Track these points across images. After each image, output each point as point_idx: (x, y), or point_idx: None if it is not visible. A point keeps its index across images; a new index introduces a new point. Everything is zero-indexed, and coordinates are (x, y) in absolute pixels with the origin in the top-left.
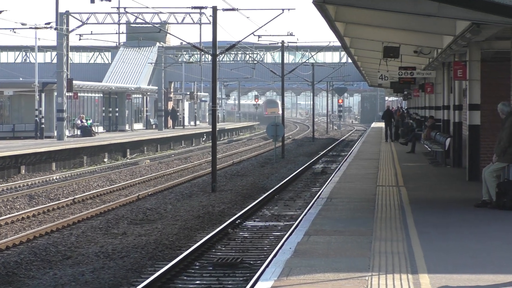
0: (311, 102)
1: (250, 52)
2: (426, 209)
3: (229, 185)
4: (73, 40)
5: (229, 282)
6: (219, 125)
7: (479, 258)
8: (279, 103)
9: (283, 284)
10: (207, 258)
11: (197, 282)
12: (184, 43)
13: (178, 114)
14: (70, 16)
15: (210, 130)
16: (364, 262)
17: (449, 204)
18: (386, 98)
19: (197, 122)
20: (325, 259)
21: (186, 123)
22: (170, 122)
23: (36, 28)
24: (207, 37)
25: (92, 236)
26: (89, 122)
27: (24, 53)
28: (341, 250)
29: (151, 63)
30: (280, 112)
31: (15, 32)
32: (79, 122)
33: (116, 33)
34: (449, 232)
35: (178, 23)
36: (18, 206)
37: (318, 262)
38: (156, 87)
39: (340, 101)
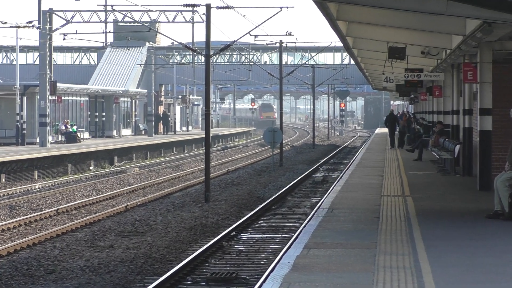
0: (311, 106)
1: (246, 53)
2: (434, 221)
3: (223, 194)
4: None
5: None
6: (213, 131)
7: (491, 274)
8: (275, 107)
9: None
10: (200, 273)
11: None
12: (175, 43)
13: (169, 119)
14: (53, 14)
15: (203, 136)
16: (367, 277)
17: (459, 215)
18: (391, 102)
19: (190, 128)
20: (326, 274)
21: (177, 128)
22: (161, 128)
23: (17, 27)
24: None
25: (77, 249)
26: (74, 128)
27: (4, 54)
28: (343, 265)
29: (140, 64)
30: (276, 116)
31: None
32: (63, 127)
33: (103, 32)
34: (458, 245)
35: (169, 21)
36: None
37: (319, 277)
38: (146, 90)
39: (342, 105)
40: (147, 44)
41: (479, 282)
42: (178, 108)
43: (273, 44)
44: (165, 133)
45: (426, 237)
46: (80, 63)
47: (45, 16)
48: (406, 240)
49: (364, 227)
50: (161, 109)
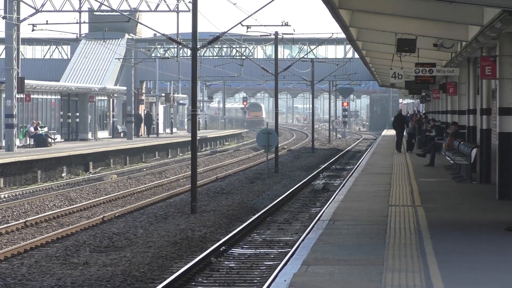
0: (310, 106)
1: (238, 46)
2: (448, 234)
3: (212, 204)
4: (25, 31)
5: None
6: (200, 133)
7: None
8: (263, 106)
9: None
10: None
11: None
12: (158, 34)
13: (153, 119)
14: (21, 2)
15: (189, 139)
16: None
17: (476, 227)
18: (400, 100)
19: (174, 130)
20: None
21: (160, 130)
22: (142, 129)
23: None
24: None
25: (47, 267)
26: (44, 130)
27: None
28: (346, 283)
29: (118, 58)
30: (264, 116)
31: None
32: (32, 129)
33: (77, 22)
34: (475, 261)
35: (151, 10)
36: None
37: None
38: (125, 88)
39: (345, 104)
40: (127, 35)
41: None
42: (161, 108)
43: (267, 35)
44: (148, 135)
45: (439, 251)
46: (51, 57)
47: (11, 4)
48: (416, 255)
49: (369, 241)
50: (142, 108)
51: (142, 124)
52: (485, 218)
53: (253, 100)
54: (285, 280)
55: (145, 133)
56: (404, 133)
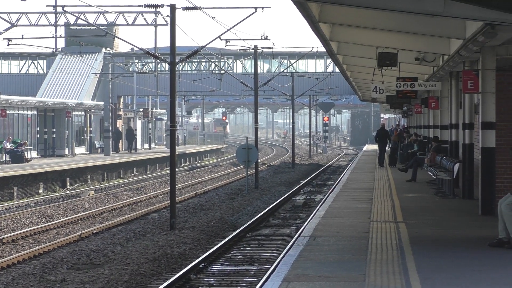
0: (291, 120)
1: (217, 60)
2: (431, 250)
3: (191, 221)
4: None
5: None
6: (179, 148)
7: None
8: (227, 121)
9: None
10: None
11: None
12: (135, 49)
13: (135, 134)
14: None
15: (168, 154)
16: None
17: (458, 243)
18: (382, 115)
19: (152, 145)
20: None
21: (139, 146)
22: (121, 145)
23: None
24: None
25: (24, 284)
26: (13, 144)
27: None
28: None
29: (95, 73)
30: (228, 130)
31: None
32: (7, 145)
33: (53, 37)
34: (458, 277)
35: (128, 24)
36: None
37: None
38: (102, 103)
39: (326, 119)
40: (104, 50)
41: None
42: (139, 123)
43: (247, 49)
44: (130, 151)
45: (421, 268)
46: (27, 72)
47: None
48: (398, 272)
49: (351, 257)
50: (120, 123)
51: (121, 140)
52: (468, 234)
53: (232, 115)
54: None
55: (126, 149)
56: (387, 148)
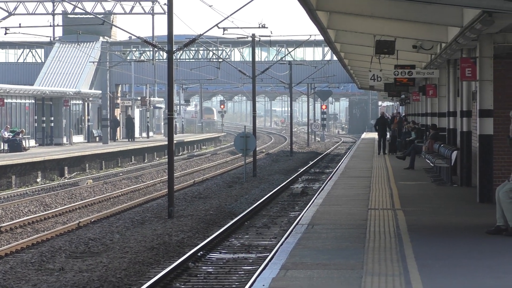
0: (289, 109)
1: (214, 49)
2: (428, 238)
3: (189, 209)
4: None
5: None
6: (177, 137)
7: None
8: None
9: None
10: None
11: None
12: (133, 37)
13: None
14: None
15: (166, 143)
16: None
17: (456, 231)
18: (380, 103)
19: (150, 133)
20: None
21: (137, 134)
22: (119, 134)
23: None
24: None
25: (22, 273)
26: (11, 133)
27: None
28: (325, 287)
29: (93, 62)
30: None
31: None
32: (5, 134)
33: (51, 25)
34: (456, 265)
35: (125, 13)
36: None
37: None
38: (100, 91)
39: (324, 107)
40: (101, 38)
41: None
42: (137, 111)
43: (244, 38)
44: (129, 139)
45: (419, 255)
46: (25, 61)
47: None
48: (396, 259)
49: (349, 245)
50: (118, 112)
51: (119, 128)
52: (466, 222)
53: (230, 103)
54: (263, 285)
55: (125, 137)
56: (388, 136)
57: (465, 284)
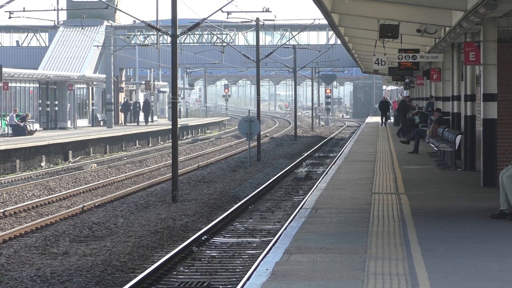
0: (293, 93)
1: (218, 33)
2: (432, 222)
3: (193, 193)
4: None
5: None
6: (182, 121)
7: (496, 281)
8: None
9: None
10: (167, 283)
11: None
12: (137, 21)
13: (151, 106)
14: None
15: (170, 127)
16: (356, 285)
17: (460, 215)
18: (384, 87)
19: (155, 118)
20: (309, 283)
21: (141, 118)
22: (122, 117)
23: None
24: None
25: (26, 257)
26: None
27: None
28: (328, 271)
29: (97, 46)
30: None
31: None
32: (14, 118)
33: (55, 9)
34: (459, 249)
35: None
36: None
37: (301, 286)
38: (104, 76)
39: (328, 91)
40: (105, 22)
41: None
42: (141, 96)
43: (248, 22)
44: (146, 123)
45: (423, 239)
46: (29, 45)
47: None
48: (400, 244)
49: (352, 229)
50: (122, 96)
51: (130, 113)
52: (469, 206)
53: (234, 87)
54: (267, 269)
55: (145, 121)
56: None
57: (469, 267)
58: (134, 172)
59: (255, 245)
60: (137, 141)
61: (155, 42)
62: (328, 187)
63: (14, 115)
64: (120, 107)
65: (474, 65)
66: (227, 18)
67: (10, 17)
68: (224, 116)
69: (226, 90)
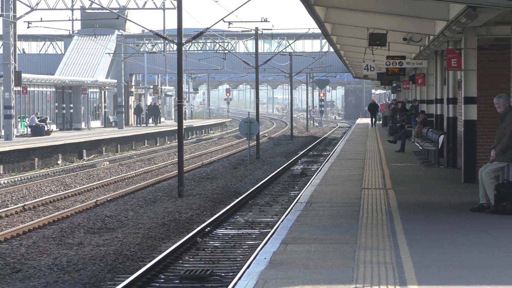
0: (289, 96)
1: (220, 41)
2: (417, 215)
3: (197, 189)
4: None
5: None
6: (186, 122)
7: (476, 269)
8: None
9: None
10: (173, 271)
11: None
12: (146, 31)
13: (160, 109)
14: (17, 1)
15: (176, 128)
16: (347, 273)
17: (443, 209)
18: (373, 91)
19: (162, 119)
20: (304, 270)
21: (149, 120)
22: (133, 120)
23: None
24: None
25: (44, 247)
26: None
27: None
28: (321, 260)
29: (109, 53)
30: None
31: None
32: (36, 120)
33: (70, 20)
34: (442, 240)
35: (139, 8)
36: None
37: (296, 273)
38: (115, 81)
39: (322, 94)
40: (116, 32)
41: (463, 277)
42: (149, 99)
43: (248, 31)
44: (156, 124)
45: (408, 231)
46: (46, 53)
47: (8, 3)
48: (387, 235)
49: (343, 222)
50: (132, 99)
51: (141, 115)
52: (451, 200)
53: (235, 91)
54: (265, 258)
55: (154, 123)
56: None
57: (451, 257)
58: (143, 169)
59: (254, 236)
60: (145, 141)
61: (162, 49)
62: (321, 183)
63: (36, 117)
64: (133, 110)
65: (456, 71)
66: (229, 27)
67: (28, 27)
68: (225, 118)
69: (228, 94)
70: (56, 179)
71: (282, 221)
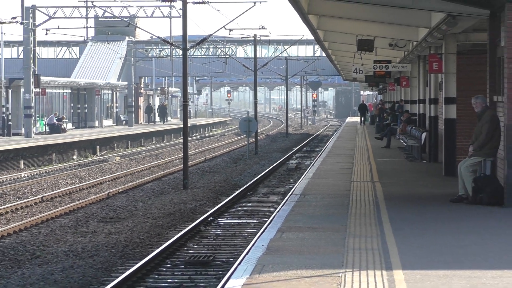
0: (285, 97)
1: (222, 46)
2: (401, 205)
3: (201, 182)
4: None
5: (201, 280)
6: (191, 121)
7: (455, 254)
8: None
9: (255, 282)
10: (179, 256)
11: (169, 280)
12: (154, 37)
13: (167, 109)
14: (36, 10)
15: (182, 126)
16: (338, 258)
17: (425, 200)
18: (362, 92)
19: (168, 118)
20: (298, 256)
21: (157, 119)
22: (141, 118)
23: (1, 22)
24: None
25: (61, 235)
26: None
27: None
28: (314, 247)
29: (120, 58)
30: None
31: None
32: (54, 119)
33: (84, 27)
34: (424, 228)
35: (147, 16)
36: None
37: (291, 259)
38: (126, 83)
39: (314, 95)
40: (127, 38)
41: (443, 262)
42: (157, 100)
43: (247, 37)
44: (163, 123)
45: (394, 220)
46: (63, 57)
47: (28, 12)
48: (374, 224)
49: (334, 212)
50: (141, 100)
51: (150, 114)
52: (433, 192)
53: (235, 92)
54: (262, 245)
55: (162, 122)
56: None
57: (432, 243)
58: (151, 164)
59: (253, 225)
60: (153, 138)
61: (169, 54)
62: (314, 176)
63: (54, 117)
64: (144, 109)
65: (437, 74)
66: (229, 34)
67: (46, 34)
68: (227, 117)
69: (229, 95)
70: (71, 172)
71: (278, 211)
